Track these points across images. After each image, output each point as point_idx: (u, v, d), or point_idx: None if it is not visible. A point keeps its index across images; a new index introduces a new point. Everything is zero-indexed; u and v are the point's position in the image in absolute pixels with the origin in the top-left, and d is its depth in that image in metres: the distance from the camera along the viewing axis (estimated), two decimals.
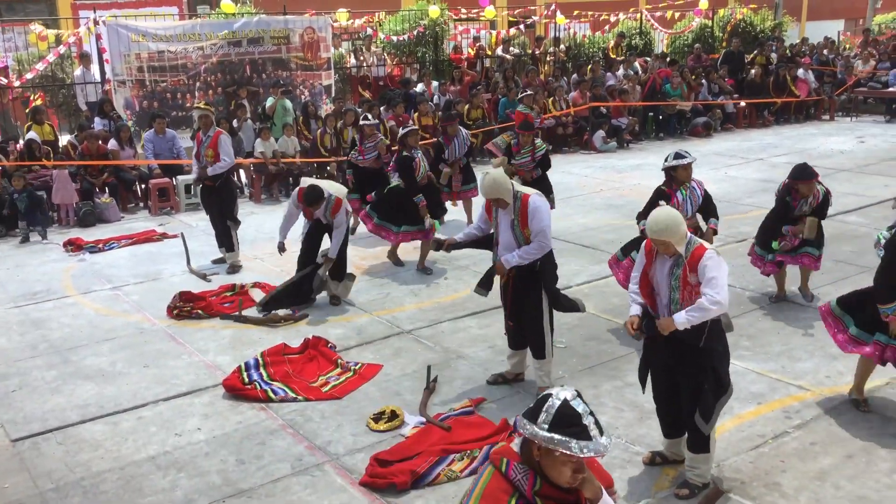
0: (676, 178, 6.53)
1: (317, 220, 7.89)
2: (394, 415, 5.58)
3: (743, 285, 8.08)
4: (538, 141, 9.42)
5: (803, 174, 6.99)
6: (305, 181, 7.96)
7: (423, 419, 5.52)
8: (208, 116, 8.97)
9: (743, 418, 5.52)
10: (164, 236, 10.63)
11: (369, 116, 10.17)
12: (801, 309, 7.41)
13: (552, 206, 9.61)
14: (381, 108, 14.43)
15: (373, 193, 9.29)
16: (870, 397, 5.69)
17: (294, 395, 5.97)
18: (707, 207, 6.73)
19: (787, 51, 21.03)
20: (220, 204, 9.06)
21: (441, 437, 5.23)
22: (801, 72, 19.38)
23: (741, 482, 4.78)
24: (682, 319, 4.36)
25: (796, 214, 7.14)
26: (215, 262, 9.31)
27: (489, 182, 5.52)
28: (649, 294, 4.60)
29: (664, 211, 4.48)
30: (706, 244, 4.48)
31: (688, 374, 4.53)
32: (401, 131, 9.28)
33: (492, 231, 5.84)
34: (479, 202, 10.77)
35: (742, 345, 6.67)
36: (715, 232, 6.76)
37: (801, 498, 4.62)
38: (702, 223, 6.83)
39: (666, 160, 6.60)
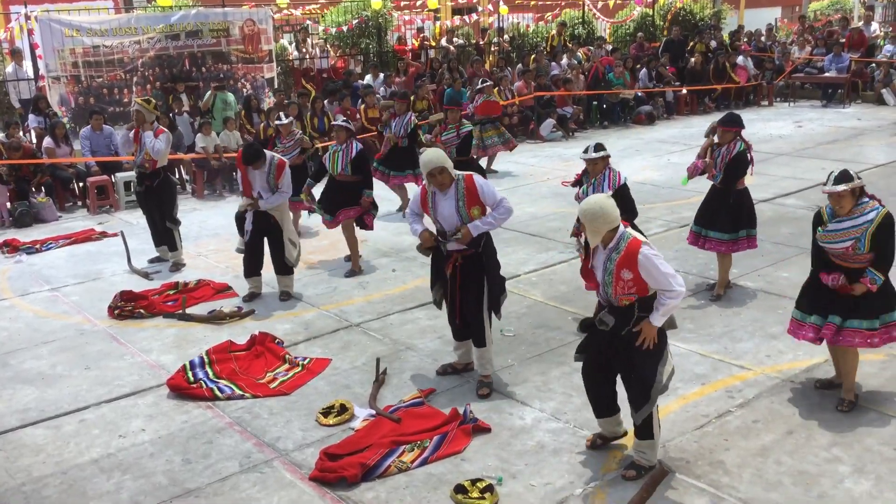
0: (590, 171, 6.42)
1: (259, 225, 7.70)
2: (343, 408, 5.54)
3: (686, 269, 8.21)
4: (466, 122, 9.49)
5: (724, 120, 7.10)
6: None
7: (373, 412, 5.50)
8: (140, 113, 8.62)
9: (687, 399, 5.62)
10: (103, 235, 10.39)
11: (282, 116, 10.04)
12: (741, 291, 7.56)
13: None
14: (325, 102, 14.33)
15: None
16: (810, 377, 5.84)
17: (241, 393, 5.89)
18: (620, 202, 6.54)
19: (726, 38, 21.43)
20: (160, 205, 8.86)
21: (391, 429, 5.22)
22: (740, 59, 19.76)
23: (686, 461, 4.87)
24: (657, 317, 4.38)
25: (716, 161, 7.15)
26: (152, 261, 9.12)
27: (433, 154, 5.44)
28: (595, 283, 4.64)
29: (593, 198, 4.44)
30: (640, 237, 4.46)
31: (618, 364, 4.60)
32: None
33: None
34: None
35: (686, 327, 6.78)
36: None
37: (744, 475, 4.72)
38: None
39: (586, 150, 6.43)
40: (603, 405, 4.86)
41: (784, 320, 6.73)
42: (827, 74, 19.57)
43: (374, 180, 9.67)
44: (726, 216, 7.21)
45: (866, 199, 5.14)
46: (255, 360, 6.43)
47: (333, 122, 8.84)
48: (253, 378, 6.13)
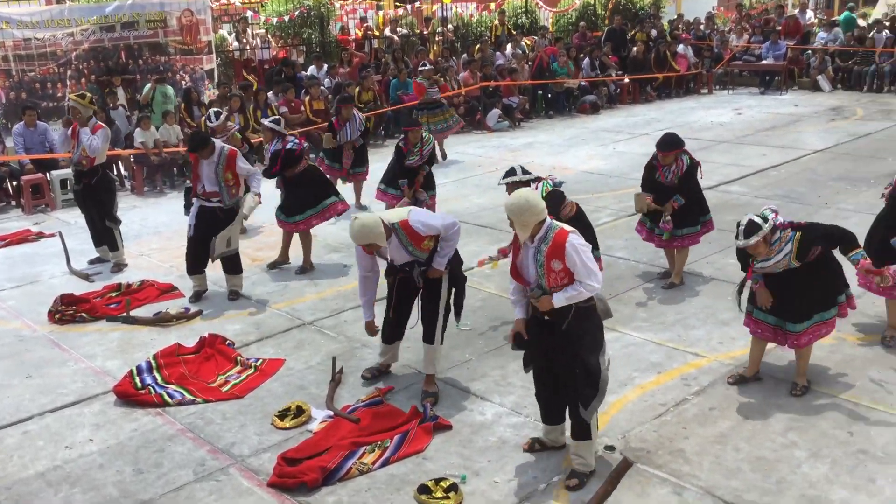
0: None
1: (205, 209, 7.46)
2: (300, 410, 5.42)
3: (636, 258, 8.27)
4: (425, 134, 9.01)
5: (661, 144, 7.09)
6: None
7: (332, 413, 5.39)
8: (76, 109, 8.24)
9: (645, 388, 5.65)
10: (40, 236, 9.99)
11: (212, 117, 9.82)
12: (691, 279, 7.63)
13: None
14: (269, 94, 14.06)
15: None
16: (763, 362, 5.91)
17: (192, 398, 5.72)
18: None
19: (666, 27, 21.70)
20: (98, 203, 8.55)
21: (350, 430, 5.12)
22: (680, 47, 20.04)
23: (647, 451, 4.88)
24: (561, 298, 4.36)
25: (666, 184, 7.19)
26: (92, 262, 8.81)
27: (358, 228, 5.15)
28: (523, 280, 4.55)
29: (523, 191, 4.43)
30: (567, 228, 4.43)
31: (561, 362, 4.53)
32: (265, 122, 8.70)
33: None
34: (369, 185, 10.75)
35: (639, 316, 6.84)
36: None
37: (703, 462, 4.76)
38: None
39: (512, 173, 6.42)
40: (553, 412, 4.80)
41: (734, 307, 6.83)
42: (764, 62, 19.99)
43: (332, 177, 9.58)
44: (690, 211, 7.28)
45: (778, 236, 5.16)
46: (206, 362, 6.25)
47: (262, 121, 8.58)
48: (204, 382, 5.95)
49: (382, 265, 5.65)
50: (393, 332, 5.80)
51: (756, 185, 11.00)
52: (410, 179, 8.79)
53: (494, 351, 6.31)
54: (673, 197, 7.15)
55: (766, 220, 5.07)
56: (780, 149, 13.11)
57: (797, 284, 5.25)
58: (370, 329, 5.70)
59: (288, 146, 8.11)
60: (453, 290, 5.61)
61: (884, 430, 4.99)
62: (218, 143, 7.48)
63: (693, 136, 7.41)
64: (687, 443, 4.96)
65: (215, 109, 10.28)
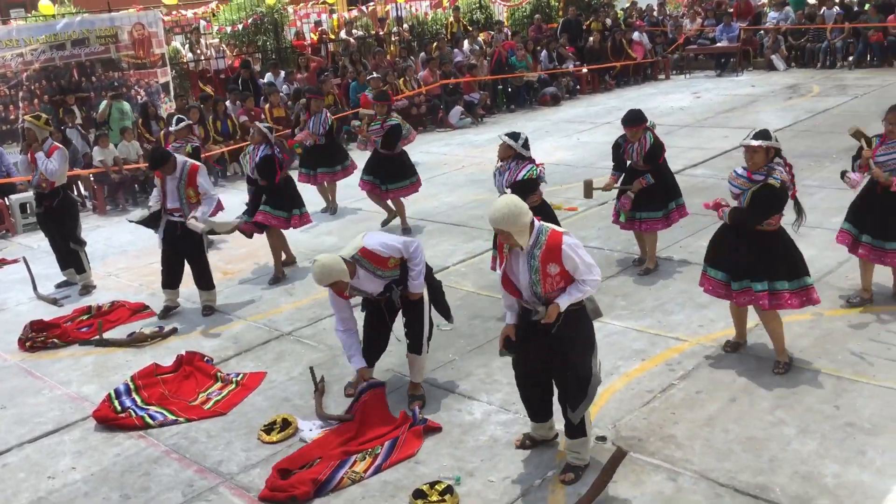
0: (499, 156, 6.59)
1: (171, 223, 7.32)
2: (286, 423, 5.34)
3: (610, 247, 8.29)
4: (394, 115, 9.28)
5: (625, 120, 7.18)
6: None
7: (321, 423, 5.31)
8: (31, 130, 8.06)
9: (630, 376, 5.65)
10: (3, 262, 9.75)
11: (173, 122, 9.70)
12: (667, 264, 7.67)
13: (419, 184, 9.50)
14: (227, 104, 13.89)
15: None
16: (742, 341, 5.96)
17: (174, 418, 5.61)
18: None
19: (620, 15, 21.84)
20: (61, 226, 8.34)
21: (340, 440, 5.04)
22: (635, 35, 20.17)
23: (639, 439, 4.88)
24: (565, 300, 4.27)
25: (631, 162, 7.28)
26: (59, 285, 8.61)
27: (319, 269, 4.97)
28: (514, 291, 4.42)
29: (503, 199, 4.26)
30: (558, 228, 4.35)
31: (552, 365, 4.46)
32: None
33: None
34: (343, 185, 10.66)
35: (618, 305, 6.85)
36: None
37: (695, 446, 4.77)
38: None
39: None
40: (538, 409, 4.75)
41: None
42: (719, 44, 20.19)
43: (301, 184, 9.48)
44: (654, 195, 7.29)
45: (779, 167, 5.26)
46: (185, 381, 6.13)
47: (255, 123, 8.51)
48: (185, 401, 5.84)
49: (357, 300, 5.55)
50: (368, 355, 5.57)
51: (721, 167, 11.09)
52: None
53: (477, 349, 6.27)
54: (643, 175, 7.20)
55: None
56: (740, 129, 13.18)
57: (748, 244, 5.36)
58: (364, 376, 5.43)
59: (276, 152, 8.10)
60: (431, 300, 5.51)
61: (868, 401, 5.04)
62: (180, 158, 7.34)
63: (655, 122, 7.47)
64: (677, 428, 4.97)
65: (178, 116, 10.14)
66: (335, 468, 4.75)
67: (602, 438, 4.91)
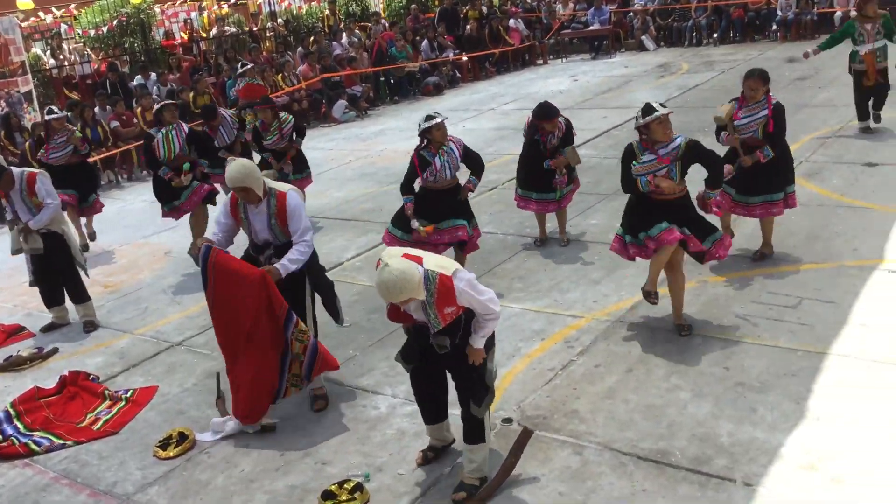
0: (433, 140, 6.48)
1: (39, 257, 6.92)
2: (183, 437, 5.11)
3: (504, 231, 8.36)
4: (282, 114, 8.98)
5: (546, 114, 7.29)
6: None
7: (220, 432, 5.13)
8: None
9: (531, 356, 5.71)
10: None
11: (55, 109, 9.26)
12: (558, 243, 7.77)
13: (310, 181, 9.33)
14: (96, 110, 13.23)
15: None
16: (637, 315, 6.12)
17: (62, 442, 5.28)
18: (472, 164, 6.72)
19: (496, 2, 22.10)
20: None
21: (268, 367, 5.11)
22: (511, 21, 20.46)
23: (543, 417, 4.93)
24: (481, 341, 4.15)
25: (549, 149, 7.41)
26: None
27: (236, 169, 4.97)
28: (408, 319, 4.24)
29: (389, 269, 3.80)
30: (446, 270, 3.96)
31: (452, 365, 4.33)
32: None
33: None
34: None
35: (515, 287, 6.91)
36: (471, 190, 6.78)
37: (598, 419, 4.85)
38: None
39: (419, 124, 6.57)
40: (433, 411, 4.58)
41: (602, 265, 7.08)
42: (592, 28, 20.72)
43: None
44: (549, 177, 7.47)
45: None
46: (70, 402, 5.78)
47: (164, 102, 8.27)
48: (72, 423, 5.52)
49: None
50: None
51: (603, 146, 11.39)
52: (277, 157, 8.76)
53: (378, 343, 6.20)
54: (559, 151, 7.36)
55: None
56: (618, 109, 13.63)
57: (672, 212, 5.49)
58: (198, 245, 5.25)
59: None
60: (316, 297, 5.38)
61: (755, 361, 5.26)
62: (16, 170, 6.86)
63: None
64: (579, 403, 5.05)
65: (49, 108, 9.63)
66: (280, 374, 5.02)
67: (508, 420, 4.93)
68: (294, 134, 8.92)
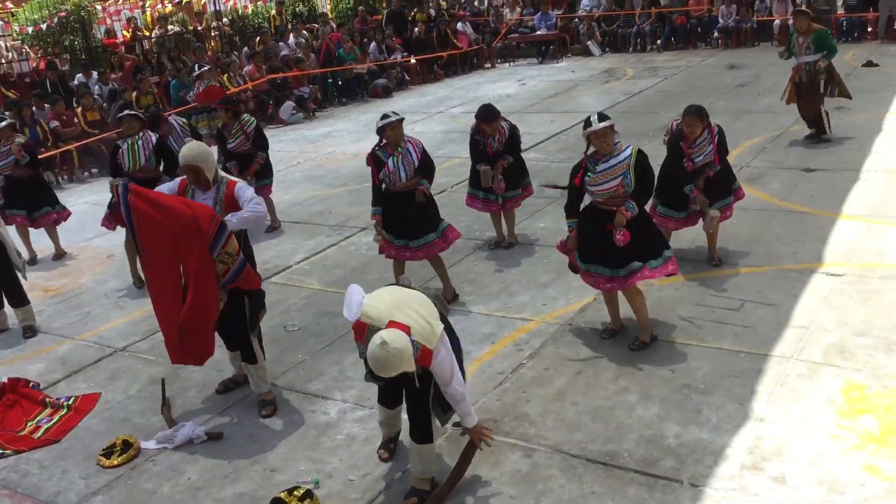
0: (389, 140, 6.30)
1: None
2: (127, 444, 5.00)
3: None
4: (244, 116, 8.72)
5: (485, 116, 7.31)
6: None
7: (165, 441, 5.03)
8: None
9: (482, 360, 5.73)
10: None
11: (6, 116, 8.94)
12: (510, 248, 7.83)
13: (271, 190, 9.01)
14: (34, 108, 12.85)
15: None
16: (584, 318, 6.19)
17: (1, 451, 5.13)
18: (423, 170, 6.44)
19: (444, 6, 22.16)
20: None
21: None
22: (459, 25, 20.55)
23: (493, 420, 4.95)
24: (468, 423, 4.21)
25: (492, 152, 7.43)
26: None
27: (189, 147, 5.04)
28: None
29: (384, 344, 3.76)
30: (429, 343, 3.95)
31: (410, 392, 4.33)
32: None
33: None
34: None
35: (465, 290, 6.92)
36: (424, 194, 6.47)
37: (547, 422, 4.90)
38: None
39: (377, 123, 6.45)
40: (391, 395, 4.55)
41: (550, 268, 7.14)
42: (538, 33, 20.92)
43: None
44: (518, 174, 7.63)
45: (618, 141, 5.48)
46: (10, 410, 5.62)
47: (125, 113, 7.80)
48: (11, 431, 5.36)
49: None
50: (226, 340, 5.44)
51: (550, 150, 11.50)
52: (242, 165, 8.48)
53: (327, 348, 6.16)
54: (502, 157, 7.40)
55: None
56: (565, 114, 13.79)
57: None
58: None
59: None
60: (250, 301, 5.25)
61: (700, 362, 5.37)
62: None
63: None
64: (529, 406, 5.09)
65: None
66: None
67: (458, 425, 4.94)
68: (256, 137, 8.56)
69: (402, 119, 6.33)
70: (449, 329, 4.24)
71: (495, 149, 7.44)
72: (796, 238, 7.19)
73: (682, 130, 6.57)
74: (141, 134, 7.63)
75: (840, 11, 18.69)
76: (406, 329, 3.90)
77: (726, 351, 5.46)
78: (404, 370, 3.87)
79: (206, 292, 4.81)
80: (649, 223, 5.76)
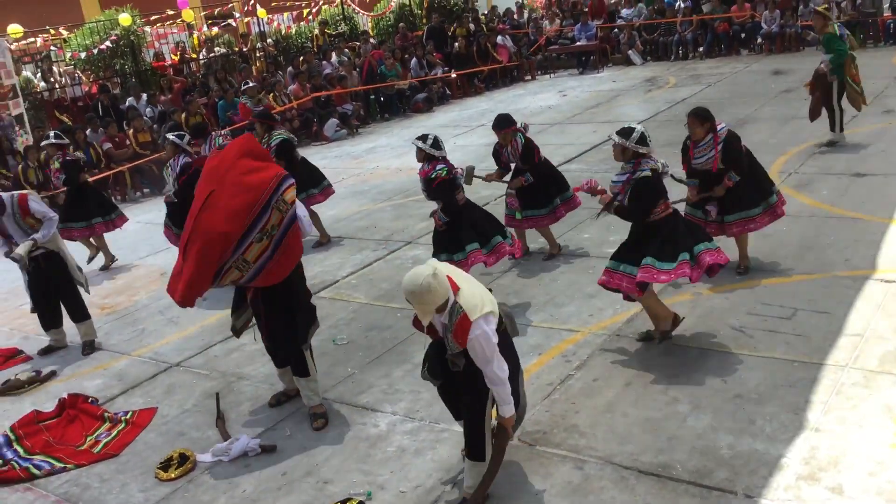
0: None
1: (37, 272, 6.88)
2: (184, 458, 5.12)
3: None
4: (275, 131, 8.82)
5: (494, 123, 7.48)
6: None
7: (222, 454, 5.12)
8: None
9: (529, 371, 5.72)
10: None
11: (51, 136, 9.39)
12: (553, 258, 7.83)
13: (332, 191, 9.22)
14: (88, 132, 13.25)
15: None
16: (632, 328, 6.16)
17: (62, 465, 5.29)
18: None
19: (483, 20, 22.28)
20: None
21: None
22: (499, 38, 20.62)
23: (543, 432, 4.96)
24: (505, 413, 4.22)
25: (504, 162, 7.61)
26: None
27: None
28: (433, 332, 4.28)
29: (421, 273, 3.92)
30: (474, 313, 3.99)
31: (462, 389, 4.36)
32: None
33: None
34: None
35: (510, 302, 6.92)
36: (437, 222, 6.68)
37: (597, 433, 4.88)
38: None
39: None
40: (456, 412, 4.59)
41: (596, 279, 7.09)
42: (578, 43, 20.90)
43: None
44: (536, 192, 7.52)
45: (648, 160, 5.49)
46: (70, 425, 5.78)
47: (165, 136, 8.35)
48: (72, 446, 5.52)
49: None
50: (275, 357, 5.57)
51: (593, 160, 11.47)
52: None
53: (376, 361, 6.22)
54: (523, 174, 7.48)
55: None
56: (608, 123, 13.72)
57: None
58: None
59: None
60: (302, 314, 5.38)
61: (752, 373, 5.30)
62: (4, 195, 6.79)
63: (527, 122, 7.72)
64: (578, 417, 5.08)
65: (55, 132, 9.82)
66: None
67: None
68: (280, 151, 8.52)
69: (420, 143, 6.49)
70: (508, 344, 4.28)
71: (508, 159, 7.52)
72: (848, 244, 7.07)
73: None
74: (173, 159, 8.18)
75: (887, 13, 18.32)
76: (455, 287, 4.02)
77: (779, 360, 5.38)
78: (426, 312, 3.95)
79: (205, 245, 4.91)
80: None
